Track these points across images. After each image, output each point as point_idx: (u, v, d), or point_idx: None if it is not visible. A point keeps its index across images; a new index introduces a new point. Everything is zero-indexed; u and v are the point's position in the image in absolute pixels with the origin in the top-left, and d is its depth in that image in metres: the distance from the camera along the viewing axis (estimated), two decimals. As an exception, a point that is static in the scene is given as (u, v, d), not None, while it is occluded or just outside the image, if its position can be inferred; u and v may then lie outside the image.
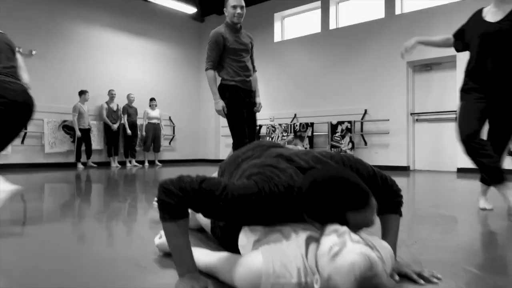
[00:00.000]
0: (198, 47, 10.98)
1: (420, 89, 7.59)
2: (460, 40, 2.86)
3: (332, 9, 8.71)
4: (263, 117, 8.96)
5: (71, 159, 8.16)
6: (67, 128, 8.13)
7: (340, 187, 1.09)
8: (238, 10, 3.34)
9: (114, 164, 8.54)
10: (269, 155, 1.39)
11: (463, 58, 3.12)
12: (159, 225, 2.13)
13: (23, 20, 7.68)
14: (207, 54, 3.44)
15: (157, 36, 9.98)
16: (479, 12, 2.77)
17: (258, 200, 1.16)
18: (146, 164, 9.14)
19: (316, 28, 8.97)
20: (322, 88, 8.66)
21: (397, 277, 1.25)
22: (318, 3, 8.84)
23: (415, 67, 7.63)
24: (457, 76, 6.40)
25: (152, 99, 9.05)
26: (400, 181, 5.18)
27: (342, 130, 8.07)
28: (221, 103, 3.38)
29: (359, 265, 0.85)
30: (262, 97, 3.93)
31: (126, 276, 1.32)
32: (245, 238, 1.31)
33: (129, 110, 8.71)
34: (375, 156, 7.81)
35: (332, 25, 8.68)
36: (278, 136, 8.90)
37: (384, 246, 1.06)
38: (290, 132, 8.73)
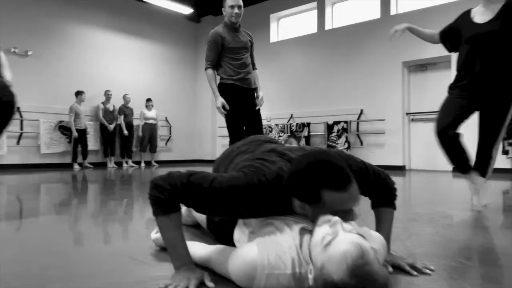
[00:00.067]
0: (194, 48, 10.99)
1: (415, 89, 7.63)
2: (447, 40, 2.91)
3: (327, 10, 8.75)
4: (259, 118, 8.97)
5: (67, 159, 8.14)
6: (63, 128, 8.12)
7: (323, 165, 1.09)
8: (236, 10, 3.36)
9: (111, 165, 8.53)
10: (263, 149, 1.40)
11: (458, 58, 3.16)
12: (155, 222, 2.14)
13: (18, 20, 7.67)
14: (206, 54, 3.47)
15: (154, 37, 9.99)
16: (467, 12, 2.79)
17: (246, 191, 1.17)
18: (143, 164, 9.13)
19: (312, 28, 9.00)
20: (318, 88, 8.69)
21: (390, 269, 1.27)
22: (314, 4, 8.88)
23: (410, 67, 7.67)
24: (452, 76, 6.33)
25: (148, 100, 9.04)
26: (396, 180, 5.18)
27: (338, 130, 8.10)
28: (220, 100, 3.38)
29: (351, 253, 0.87)
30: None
31: (123, 270, 1.33)
32: (240, 232, 1.32)
33: (125, 111, 8.71)
34: (371, 156, 7.84)
35: (328, 26, 8.72)
36: (275, 137, 8.91)
37: (376, 236, 1.08)
38: (287, 132, 8.75)
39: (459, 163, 2.74)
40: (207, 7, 10.35)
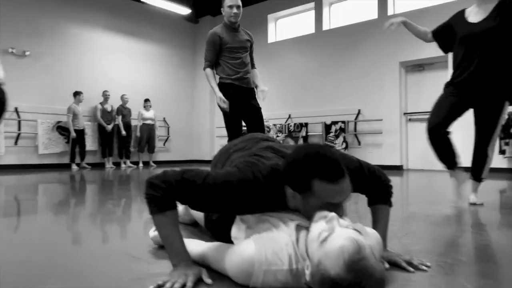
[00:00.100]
0: (192, 48, 10.99)
1: (412, 89, 7.65)
2: (440, 39, 2.95)
3: (325, 10, 8.76)
4: (257, 118, 8.97)
5: (65, 160, 8.13)
6: (61, 129, 8.10)
7: (318, 156, 1.10)
8: (235, 10, 3.38)
9: (109, 165, 8.52)
10: (259, 146, 1.42)
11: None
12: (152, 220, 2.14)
13: (16, 20, 7.65)
14: (204, 53, 3.49)
15: (152, 37, 9.99)
16: (462, 12, 2.83)
17: (241, 186, 1.18)
18: (141, 165, 9.12)
19: (310, 29, 9.02)
20: (316, 89, 8.70)
21: (387, 265, 1.28)
22: (312, 5, 8.90)
23: (407, 67, 7.70)
24: (449, 76, 6.44)
25: (146, 100, 9.04)
26: (393, 180, 5.20)
27: (336, 130, 8.12)
28: (219, 96, 3.37)
29: (348, 249, 0.87)
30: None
31: (121, 267, 1.34)
32: (237, 230, 1.33)
33: (123, 111, 8.70)
34: (369, 155, 7.85)
35: (326, 26, 8.73)
36: (273, 137, 8.92)
37: (371, 233, 1.09)
38: (285, 133, 8.77)
39: (446, 159, 2.83)
40: (205, 7, 10.36)
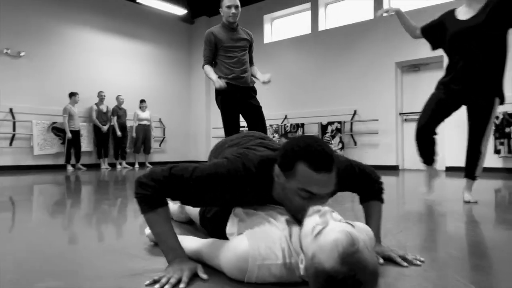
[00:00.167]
0: (188, 49, 10.99)
1: (408, 89, 7.69)
2: (429, 36, 3.00)
3: (321, 11, 8.79)
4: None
5: (61, 161, 8.10)
6: (56, 130, 8.07)
7: (313, 145, 1.10)
8: (233, 10, 3.41)
9: (104, 166, 8.49)
10: (253, 143, 1.43)
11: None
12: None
13: (11, 21, 7.62)
14: (203, 52, 3.55)
15: (147, 38, 9.97)
16: (452, 11, 2.89)
17: (230, 177, 1.18)
18: (137, 165, 9.10)
19: (306, 29, 9.04)
20: (312, 89, 8.73)
21: (381, 260, 1.29)
22: (307, 5, 8.93)
23: (403, 68, 7.73)
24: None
25: (142, 101, 9.02)
26: (389, 179, 5.25)
27: (332, 131, 8.14)
28: (214, 78, 3.39)
29: (342, 241, 0.88)
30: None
31: (117, 264, 1.34)
32: (232, 226, 1.33)
33: (119, 112, 8.68)
34: (365, 156, 7.88)
35: (322, 27, 8.76)
36: (270, 137, 8.92)
37: (362, 227, 1.10)
38: (281, 133, 8.78)
39: (427, 156, 2.97)
40: (201, 8, 10.37)
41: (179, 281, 1.09)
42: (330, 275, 0.86)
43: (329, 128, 8.17)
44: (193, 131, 10.91)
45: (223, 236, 1.38)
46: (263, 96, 3.73)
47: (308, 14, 9.02)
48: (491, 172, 6.24)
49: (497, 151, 6.31)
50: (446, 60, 2.96)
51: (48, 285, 1.12)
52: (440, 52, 3.14)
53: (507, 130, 6.21)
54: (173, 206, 2.08)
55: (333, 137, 8.10)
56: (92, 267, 1.31)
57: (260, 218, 1.20)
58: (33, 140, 7.79)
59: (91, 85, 8.67)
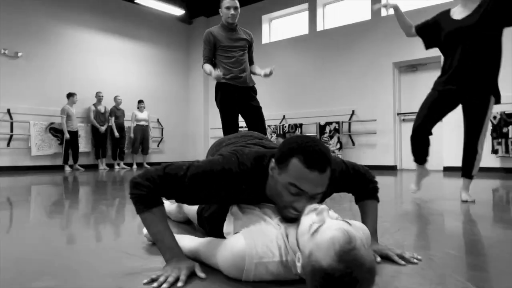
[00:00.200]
0: (186, 49, 10.98)
1: (406, 89, 7.71)
2: (424, 35, 3.04)
3: (319, 11, 8.80)
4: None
5: (58, 161, 8.08)
6: (54, 130, 8.05)
7: (312, 144, 1.11)
8: (232, 11, 3.45)
9: (102, 167, 8.48)
10: (249, 142, 1.43)
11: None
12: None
13: (8, 21, 7.61)
14: (202, 52, 3.58)
15: (145, 38, 9.97)
16: (447, 11, 2.93)
17: (225, 173, 1.18)
18: (135, 166, 9.08)
19: (304, 30, 9.06)
20: (310, 89, 8.74)
21: (378, 259, 1.29)
22: (305, 5, 8.94)
23: (401, 68, 7.75)
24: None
25: (140, 101, 9.01)
26: (387, 180, 5.26)
27: (330, 131, 8.15)
28: (210, 70, 3.40)
29: (338, 239, 0.88)
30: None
31: (115, 262, 1.34)
32: (229, 225, 1.33)
33: (117, 113, 8.66)
34: (363, 156, 7.90)
35: (320, 27, 8.77)
36: (268, 138, 8.92)
37: (358, 226, 1.10)
38: (280, 133, 8.78)
39: (420, 155, 3.07)
40: (199, 8, 10.36)
41: (177, 280, 1.09)
42: (327, 273, 0.86)
43: (327, 129, 8.18)
44: (191, 131, 10.91)
45: (220, 235, 1.38)
46: (261, 97, 3.73)
47: (306, 15, 9.03)
48: (489, 172, 6.25)
49: (494, 151, 6.33)
50: (443, 60, 2.99)
51: (45, 284, 1.12)
52: (437, 52, 3.17)
53: (504, 130, 6.23)
54: (171, 206, 2.08)
55: (331, 137, 8.11)
56: (90, 266, 1.31)
57: (256, 217, 1.20)
58: (30, 141, 7.77)
59: (89, 86, 8.66)
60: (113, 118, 8.57)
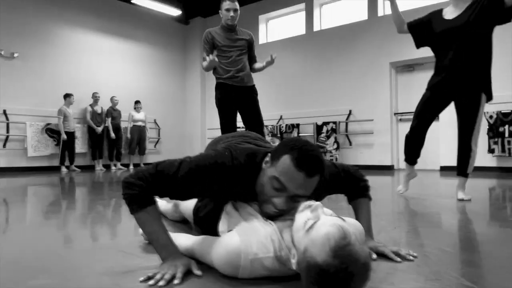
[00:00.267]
0: (183, 50, 10.97)
1: (403, 89, 7.73)
2: (415, 33, 3.08)
3: (316, 11, 8.82)
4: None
5: (55, 162, 8.05)
6: (50, 131, 8.03)
7: (307, 147, 1.12)
8: (231, 13, 3.51)
9: (99, 167, 8.45)
10: (244, 141, 1.44)
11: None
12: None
13: (4, 21, 7.58)
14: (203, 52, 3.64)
15: (142, 39, 9.95)
16: (439, 11, 2.97)
17: (217, 167, 1.18)
18: (131, 167, 9.06)
19: (301, 30, 9.07)
20: (307, 89, 8.75)
21: (374, 256, 1.30)
22: (302, 6, 8.95)
23: (398, 68, 7.77)
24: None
25: (137, 102, 8.99)
26: (384, 179, 5.28)
27: (327, 131, 8.16)
28: (206, 58, 3.44)
29: (333, 235, 0.89)
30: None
31: (112, 261, 1.34)
32: (223, 224, 1.34)
33: (113, 113, 8.64)
34: (360, 156, 7.91)
35: (316, 27, 8.79)
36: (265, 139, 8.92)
37: (353, 222, 1.11)
38: (277, 134, 8.79)
39: (412, 156, 3.16)
40: (196, 9, 10.35)
41: (173, 277, 1.10)
42: (322, 269, 0.86)
43: (324, 129, 8.19)
44: (188, 132, 10.90)
45: (216, 234, 1.39)
46: (258, 97, 3.75)
47: (303, 15, 9.04)
48: (485, 171, 6.28)
49: (491, 150, 6.36)
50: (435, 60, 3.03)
51: (42, 283, 1.12)
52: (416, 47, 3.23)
53: (500, 129, 6.26)
54: (167, 205, 2.08)
55: (328, 137, 8.12)
56: (87, 265, 1.31)
57: (249, 215, 1.21)
58: (27, 142, 7.74)
59: (86, 86, 8.64)
60: (109, 119, 8.55)
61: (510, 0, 2.58)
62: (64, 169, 7.81)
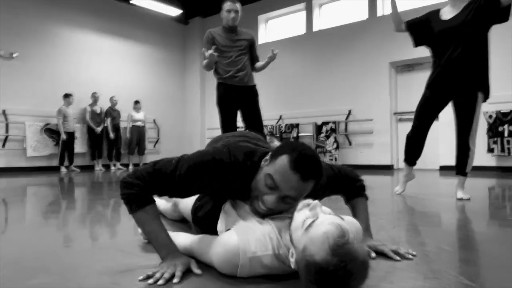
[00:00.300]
0: (182, 50, 10.97)
1: (402, 89, 7.74)
2: (413, 32, 3.11)
3: (315, 11, 8.82)
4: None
5: (54, 162, 8.04)
6: (49, 131, 8.02)
7: (307, 149, 1.12)
8: (232, 15, 3.55)
9: (98, 167, 8.45)
10: (243, 140, 1.44)
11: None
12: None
13: (3, 21, 7.58)
14: None
15: (141, 39, 9.95)
16: (437, 11, 3.00)
17: (215, 164, 1.18)
18: (131, 167, 9.05)
19: (301, 30, 9.07)
20: (306, 89, 8.75)
21: (373, 254, 1.30)
22: (302, 5, 8.95)
23: (397, 68, 7.78)
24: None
25: (136, 102, 8.99)
26: (384, 179, 5.28)
27: (327, 131, 8.16)
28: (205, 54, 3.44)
29: (332, 233, 0.89)
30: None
31: (111, 260, 1.34)
32: (222, 224, 1.34)
33: (112, 113, 8.64)
34: (360, 155, 7.92)
35: (316, 27, 8.79)
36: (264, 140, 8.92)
37: (351, 220, 1.11)
38: (276, 134, 8.79)
39: (412, 157, 3.20)
40: (195, 8, 10.35)
41: (172, 276, 1.09)
42: (321, 267, 0.86)
43: (324, 128, 8.19)
44: (187, 132, 10.90)
45: (215, 233, 1.39)
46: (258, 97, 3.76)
47: (302, 15, 9.05)
48: (485, 170, 6.29)
49: (490, 150, 6.36)
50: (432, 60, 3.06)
51: (41, 282, 1.12)
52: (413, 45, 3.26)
53: (500, 129, 6.26)
54: (167, 204, 2.08)
55: (327, 137, 8.12)
56: (86, 264, 1.31)
57: (247, 213, 1.21)
58: (26, 142, 7.74)
59: (85, 86, 8.63)
60: (109, 119, 8.55)
61: (505, 0, 2.60)
62: (63, 169, 7.80)
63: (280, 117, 9.06)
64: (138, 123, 8.95)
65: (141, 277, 1.10)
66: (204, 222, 1.57)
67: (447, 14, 2.91)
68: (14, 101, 7.68)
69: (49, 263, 1.32)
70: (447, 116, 3.05)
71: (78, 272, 1.21)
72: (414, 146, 3.12)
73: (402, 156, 7.60)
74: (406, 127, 7.70)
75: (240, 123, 3.69)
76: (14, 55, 7.68)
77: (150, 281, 1.07)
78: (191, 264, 1.16)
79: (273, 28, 9.82)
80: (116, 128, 8.67)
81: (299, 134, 8.55)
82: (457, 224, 2.02)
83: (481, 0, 2.71)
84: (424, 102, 3.00)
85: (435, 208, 2.54)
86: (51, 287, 1.08)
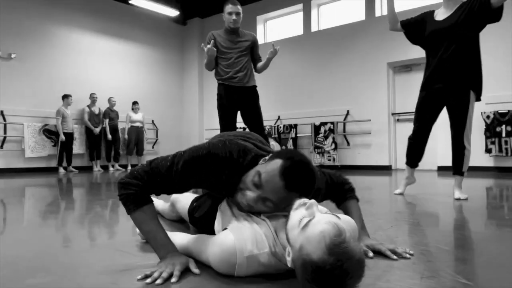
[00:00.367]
0: (180, 50, 10.97)
1: (400, 89, 7.75)
2: (409, 31, 3.15)
3: (313, 12, 8.84)
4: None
5: (53, 163, 8.04)
6: (48, 132, 8.02)
7: (306, 164, 1.12)
8: (234, 17, 3.60)
9: (96, 168, 8.44)
10: (242, 139, 1.45)
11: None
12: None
13: (2, 22, 7.57)
14: None
15: (140, 40, 9.95)
16: (431, 12, 3.05)
17: (211, 158, 1.18)
18: (129, 168, 9.05)
19: (298, 30, 9.09)
20: (305, 90, 8.76)
21: (371, 254, 1.31)
22: (300, 6, 8.97)
23: (395, 68, 7.80)
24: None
25: (134, 103, 8.99)
26: (382, 179, 5.29)
27: (325, 131, 8.17)
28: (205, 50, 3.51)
29: (328, 232, 0.89)
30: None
31: (109, 260, 1.34)
32: (218, 224, 1.34)
33: (110, 114, 8.63)
34: (358, 156, 7.93)
35: (314, 28, 8.81)
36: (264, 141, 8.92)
37: (347, 219, 1.12)
38: (275, 134, 8.79)
39: (413, 159, 3.21)
40: (193, 9, 10.36)
41: (170, 276, 1.10)
42: (318, 266, 0.87)
43: (322, 129, 8.20)
44: (186, 132, 10.90)
45: (212, 233, 1.39)
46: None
47: (300, 15, 9.06)
48: (483, 171, 6.30)
49: (488, 150, 6.38)
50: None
51: (41, 281, 1.12)
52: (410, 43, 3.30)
53: (498, 129, 6.28)
54: (164, 204, 2.08)
55: (326, 137, 8.14)
56: (85, 264, 1.31)
57: (242, 212, 1.21)
58: (24, 143, 7.73)
59: (83, 87, 8.63)
60: (107, 120, 8.54)
61: (496, 2, 2.63)
62: (61, 170, 7.79)
63: (279, 118, 9.07)
64: (137, 124, 8.95)
65: (139, 277, 1.11)
66: (201, 223, 1.58)
67: (440, 15, 2.96)
68: (12, 101, 7.67)
69: (48, 263, 1.32)
70: (444, 116, 3.06)
71: (77, 272, 1.22)
72: (416, 149, 3.15)
73: (400, 156, 7.59)
74: (404, 128, 7.78)
75: (240, 124, 3.71)
76: (13, 56, 7.68)
77: (148, 280, 1.08)
78: (190, 264, 1.17)
79: (272, 29, 9.83)
80: (115, 129, 8.66)
81: (298, 135, 8.56)
82: (454, 223, 2.03)
83: (474, 2, 2.75)
84: (421, 103, 3.03)
85: (433, 208, 2.55)
86: (50, 287, 1.09)
